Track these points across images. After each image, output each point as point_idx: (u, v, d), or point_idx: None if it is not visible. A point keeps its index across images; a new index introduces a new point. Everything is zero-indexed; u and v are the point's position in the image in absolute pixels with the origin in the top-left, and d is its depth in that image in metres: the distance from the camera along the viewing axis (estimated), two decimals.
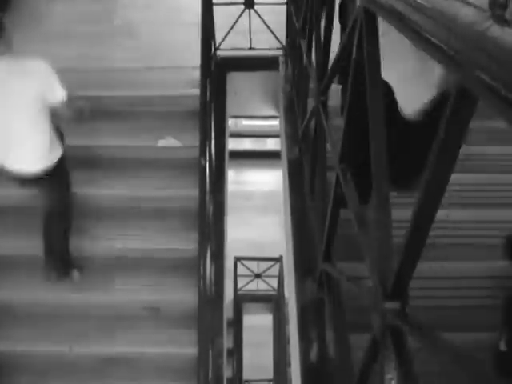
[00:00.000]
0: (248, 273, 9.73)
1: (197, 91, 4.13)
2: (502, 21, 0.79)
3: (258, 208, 10.98)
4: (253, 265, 9.73)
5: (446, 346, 1.11)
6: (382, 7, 1.37)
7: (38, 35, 4.99)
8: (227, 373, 6.41)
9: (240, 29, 4.80)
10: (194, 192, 3.90)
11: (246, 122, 11.49)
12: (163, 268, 4.01)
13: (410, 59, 2.15)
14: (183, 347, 3.78)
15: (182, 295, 3.92)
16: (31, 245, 3.95)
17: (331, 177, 2.30)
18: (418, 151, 2.08)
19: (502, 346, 2.25)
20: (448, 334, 1.14)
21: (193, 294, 3.69)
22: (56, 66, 4.64)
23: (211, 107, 4.57)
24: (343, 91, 2.92)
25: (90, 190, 4.21)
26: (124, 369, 3.82)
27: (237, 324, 9.50)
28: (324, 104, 2.69)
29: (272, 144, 11.35)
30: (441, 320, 2.32)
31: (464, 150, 1.05)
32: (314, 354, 2.63)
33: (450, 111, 0.99)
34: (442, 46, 0.95)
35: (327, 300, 2.46)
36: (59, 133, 3.56)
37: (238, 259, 9.54)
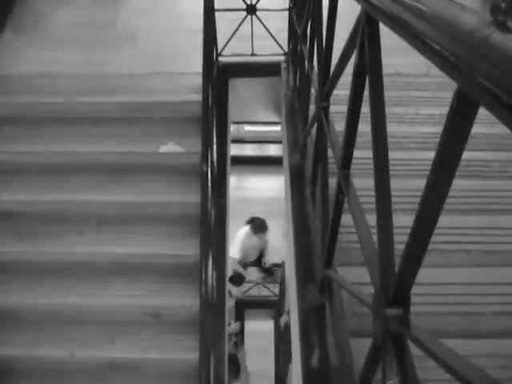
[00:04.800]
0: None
1: (199, 97, 4.15)
2: (504, 27, 0.80)
3: (260, 214, 10.94)
4: None
5: (447, 353, 1.11)
6: (384, 13, 1.38)
7: (41, 40, 5.01)
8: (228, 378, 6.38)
9: (242, 35, 4.81)
10: (195, 198, 3.91)
11: (247, 128, 11.48)
12: (164, 273, 4.01)
13: None
14: (184, 353, 3.78)
15: (184, 301, 3.91)
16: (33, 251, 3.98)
17: (333, 182, 2.31)
18: None
19: None
20: (450, 341, 1.14)
21: (194, 299, 3.69)
22: (58, 71, 4.70)
23: (213, 113, 4.58)
24: None
25: (92, 195, 4.22)
26: (125, 374, 3.81)
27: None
28: (326, 109, 2.70)
29: (274, 150, 11.34)
30: (442, 326, 2.32)
31: (465, 155, 1.05)
32: (315, 359, 2.62)
33: (450, 117, 0.99)
34: (444, 52, 0.95)
35: (328, 305, 2.46)
36: None
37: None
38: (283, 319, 8.76)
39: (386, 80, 1.58)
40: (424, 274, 1.33)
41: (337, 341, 2.32)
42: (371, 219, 1.65)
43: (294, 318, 3.56)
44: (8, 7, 5.38)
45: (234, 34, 4.82)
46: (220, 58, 5.04)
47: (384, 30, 1.50)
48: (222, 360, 4.38)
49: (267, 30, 4.82)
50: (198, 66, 4.17)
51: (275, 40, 4.92)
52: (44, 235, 4.09)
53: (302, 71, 3.77)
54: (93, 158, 4.37)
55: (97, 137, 4.41)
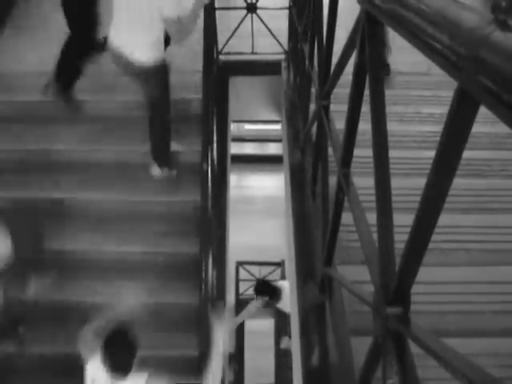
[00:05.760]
0: (250, 277, 9.71)
1: (199, 95, 4.14)
2: (505, 26, 0.79)
3: (260, 212, 10.95)
4: (254, 269, 9.71)
5: (447, 352, 1.11)
6: (384, 11, 1.37)
7: (42, 40, 5.01)
8: (229, 377, 6.40)
9: (242, 33, 4.80)
10: (195, 196, 3.91)
11: (248, 127, 11.48)
12: (165, 272, 4.00)
13: None
14: (184, 350, 3.77)
15: (184, 299, 3.91)
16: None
17: (333, 181, 2.31)
18: None
19: None
20: (450, 340, 1.14)
21: (194, 297, 3.68)
22: None
23: (213, 111, 4.57)
24: None
25: (92, 194, 4.22)
26: None
27: (238, 328, 9.48)
28: (326, 108, 2.70)
29: (274, 148, 11.34)
30: (442, 325, 2.32)
31: (465, 154, 1.05)
32: (315, 357, 2.63)
33: (451, 115, 0.99)
34: (445, 50, 0.95)
35: (329, 304, 2.46)
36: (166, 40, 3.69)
37: (239, 264, 9.52)
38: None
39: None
40: (424, 273, 1.33)
41: (337, 339, 2.32)
42: (371, 218, 1.65)
43: (294, 317, 3.56)
44: (9, 7, 5.39)
45: (234, 32, 4.81)
46: (220, 57, 5.04)
47: None
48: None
49: (268, 28, 4.82)
50: (198, 64, 4.16)
51: (275, 38, 4.91)
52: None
53: (303, 70, 3.77)
54: (93, 155, 4.36)
55: (96, 136, 4.41)
